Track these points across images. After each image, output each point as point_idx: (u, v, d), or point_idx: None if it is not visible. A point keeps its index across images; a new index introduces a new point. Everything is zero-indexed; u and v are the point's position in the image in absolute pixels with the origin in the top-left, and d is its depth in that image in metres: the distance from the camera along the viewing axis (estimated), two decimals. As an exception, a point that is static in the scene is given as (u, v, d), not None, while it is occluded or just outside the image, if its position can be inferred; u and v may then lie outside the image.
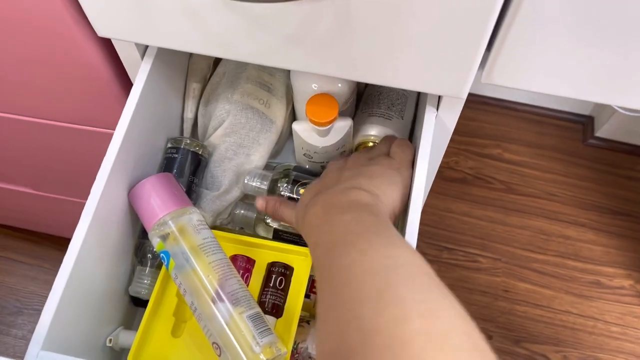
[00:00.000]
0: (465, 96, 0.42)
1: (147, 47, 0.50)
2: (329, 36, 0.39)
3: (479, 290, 1.17)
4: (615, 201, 1.26)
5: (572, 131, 1.33)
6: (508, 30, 0.36)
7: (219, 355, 0.44)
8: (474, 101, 1.35)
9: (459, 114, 0.47)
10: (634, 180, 1.28)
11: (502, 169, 1.29)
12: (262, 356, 0.43)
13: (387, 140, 0.52)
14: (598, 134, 1.30)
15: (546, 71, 0.39)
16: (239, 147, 0.57)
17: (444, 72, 0.40)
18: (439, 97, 0.47)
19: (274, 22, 0.39)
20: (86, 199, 0.45)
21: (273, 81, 0.58)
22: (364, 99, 0.61)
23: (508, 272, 1.18)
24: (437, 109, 0.47)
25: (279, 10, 0.38)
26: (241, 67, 0.58)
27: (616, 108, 1.13)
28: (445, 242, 1.23)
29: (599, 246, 1.21)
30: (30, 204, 0.98)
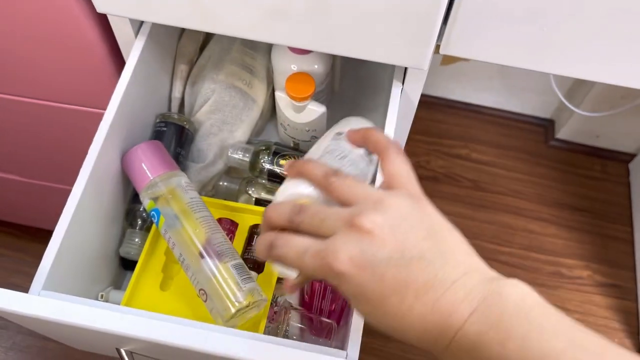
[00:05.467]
0: (426, 67, 0.47)
1: (141, 25, 0.54)
2: (305, 10, 0.44)
3: (448, 281, 1.23)
4: (575, 198, 1.34)
5: (535, 133, 1.41)
6: (460, 4, 0.41)
7: (205, 301, 0.48)
8: (443, 105, 1.42)
9: (421, 88, 0.53)
10: (592, 179, 1.37)
11: (470, 168, 1.36)
12: (244, 300, 0.47)
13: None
14: (558, 135, 1.38)
15: (498, 42, 0.45)
16: (223, 123, 0.61)
17: (408, 45, 0.45)
18: (404, 73, 0.53)
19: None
20: (73, 185, 0.47)
21: (255, 64, 0.64)
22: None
23: (476, 264, 1.24)
24: (403, 83, 0.53)
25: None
26: (226, 50, 0.63)
27: (573, 109, 1.22)
28: (416, 236, 1.28)
29: (560, 239, 1.28)
30: (14, 193, 1.00)
